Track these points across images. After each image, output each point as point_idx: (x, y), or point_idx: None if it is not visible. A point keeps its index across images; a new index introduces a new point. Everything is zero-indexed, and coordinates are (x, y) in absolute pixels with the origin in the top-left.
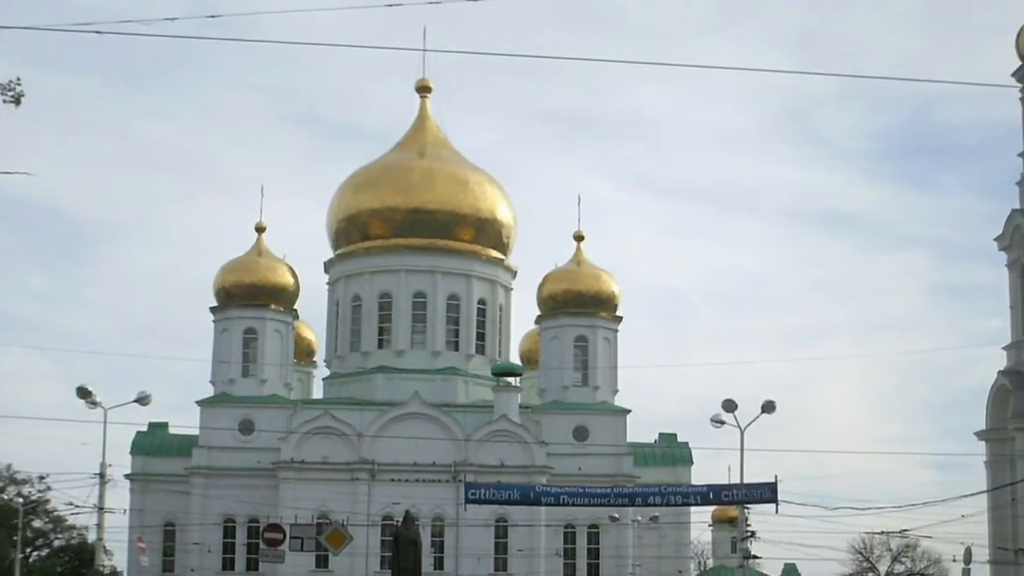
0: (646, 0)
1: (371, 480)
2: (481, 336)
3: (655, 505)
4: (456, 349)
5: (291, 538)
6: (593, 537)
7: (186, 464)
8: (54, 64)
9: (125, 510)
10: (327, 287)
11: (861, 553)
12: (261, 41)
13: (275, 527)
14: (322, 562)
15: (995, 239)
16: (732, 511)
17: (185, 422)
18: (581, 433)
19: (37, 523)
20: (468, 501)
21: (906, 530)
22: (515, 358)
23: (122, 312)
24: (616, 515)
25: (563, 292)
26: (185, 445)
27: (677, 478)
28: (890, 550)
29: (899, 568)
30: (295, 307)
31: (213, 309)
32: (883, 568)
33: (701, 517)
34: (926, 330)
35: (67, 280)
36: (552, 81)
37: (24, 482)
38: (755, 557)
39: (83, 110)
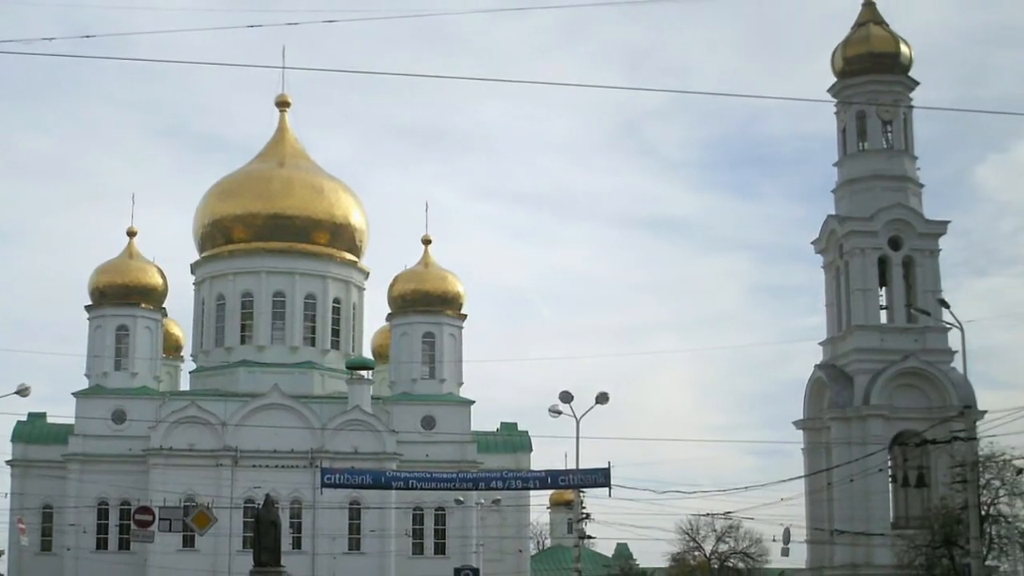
0: (488, 21)
1: (234, 466)
2: (336, 332)
3: (497, 489)
4: (313, 344)
5: (160, 520)
6: (440, 519)
7: (63, 451)
8: None
9: (6, 494)
10: (194, 287)
11: (688, 534)
12: (132, 59)
13: (145, 509)
14: (189, 542)
15: (812, 243)
16: (568, 495)
17: (62, 412)
18: (428, 422)
19: None
20: (324, 485)
21: (730, 512)
22: (368, 353)
23: (3, 310)
24: (461, 498)
25: (412, 292)
26: (62, 434)
27: (517, 464)
28: (715, 531)
29: (723, 547)
30: (164, 306)
31: (88, 308)
32: (708, 547)
33: (540, 500)
34: (748, 327)
35: None
36: (402, 97)
37: None
38: (590, 537)
39: None
